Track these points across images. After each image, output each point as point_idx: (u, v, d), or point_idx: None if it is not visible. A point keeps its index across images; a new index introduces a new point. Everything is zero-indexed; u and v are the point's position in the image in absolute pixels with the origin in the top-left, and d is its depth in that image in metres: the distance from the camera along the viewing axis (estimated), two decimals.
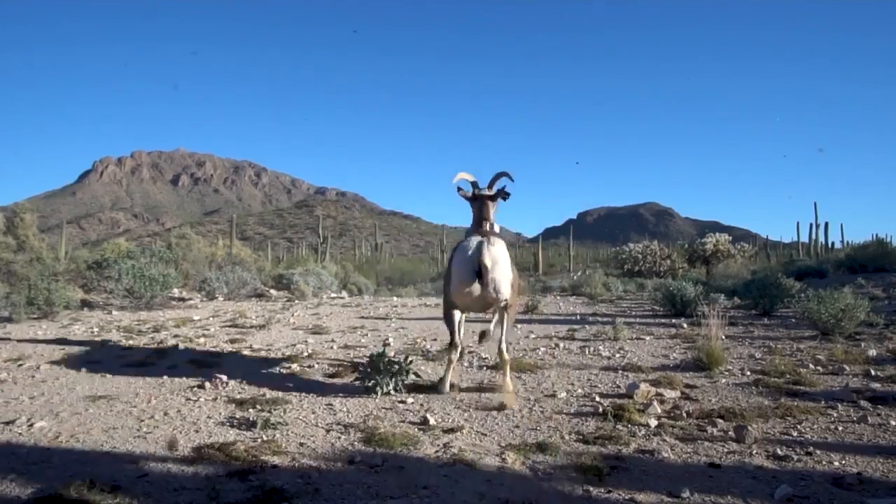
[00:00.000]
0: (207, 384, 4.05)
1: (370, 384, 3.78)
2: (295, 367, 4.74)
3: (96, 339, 6.25)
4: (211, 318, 8.30)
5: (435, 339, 6.23)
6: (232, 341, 6.14)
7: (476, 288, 3.47)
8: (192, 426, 3.13)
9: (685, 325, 6.99)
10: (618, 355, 5.21)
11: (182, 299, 11.33)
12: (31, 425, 3.12)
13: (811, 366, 4.52)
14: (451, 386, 3.85)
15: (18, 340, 6.18)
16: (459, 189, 3.86)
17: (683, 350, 5.37)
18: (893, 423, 3.07)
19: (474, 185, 3.88)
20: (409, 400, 3.65)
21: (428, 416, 3.24)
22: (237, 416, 3.30)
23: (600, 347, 5.58)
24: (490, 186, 3.86)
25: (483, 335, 4.28)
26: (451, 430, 3.03)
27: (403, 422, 3.21)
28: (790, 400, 3.54)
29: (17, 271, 11.04)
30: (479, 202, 3.81)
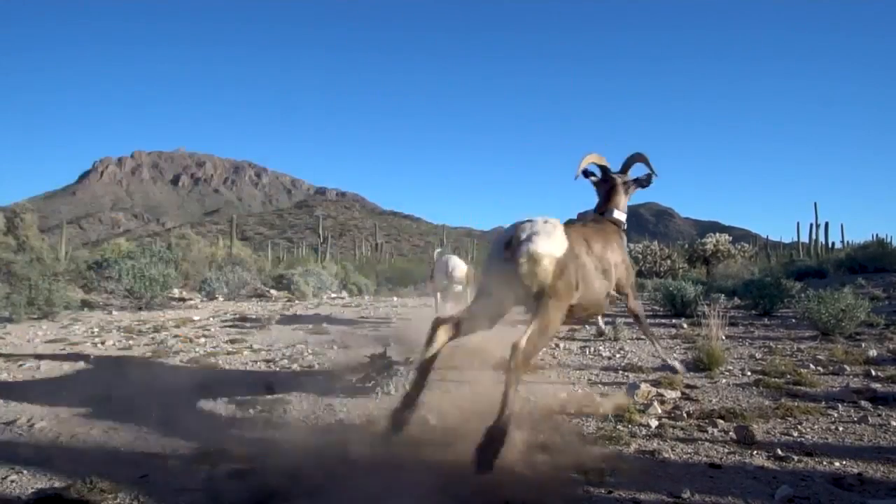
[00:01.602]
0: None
1: (370, 384, 3.78)
2: (295, 367, 4.74)
3: (96, 339, 6.24)
4: (211, 318, 8.29)
5: None
6: (232, 341, 6.14)
7: None
8: (192, 426, 3.13)
9: (685, 326, 6.99)
10: (618, 355, 5.21)
11: (182, 299, 11.33)
12: (32, 425, 3.11)
13: (811, 366, 4.51)
14: None
15: (18, 340, 6.18)
16: (587, 174, 3.54)
17: (684, 350, 5.37)
18: (894, 423, 3.07)
19: (604, 168, 3.55)
20: None
21: (428, 416, 3.24)
22: (237, 417, 3.30)
23: (600, 347, 5.58)
24: (624, 171, 3.60)
25: None
26: (452, 430, 3.03)
27: None
28: (790, 400, 3.54)
29: (18, 271, 11.04)
30: (607, 186, 3.49)
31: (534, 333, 2.51)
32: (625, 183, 3.52)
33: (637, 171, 3.67)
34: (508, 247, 2.63)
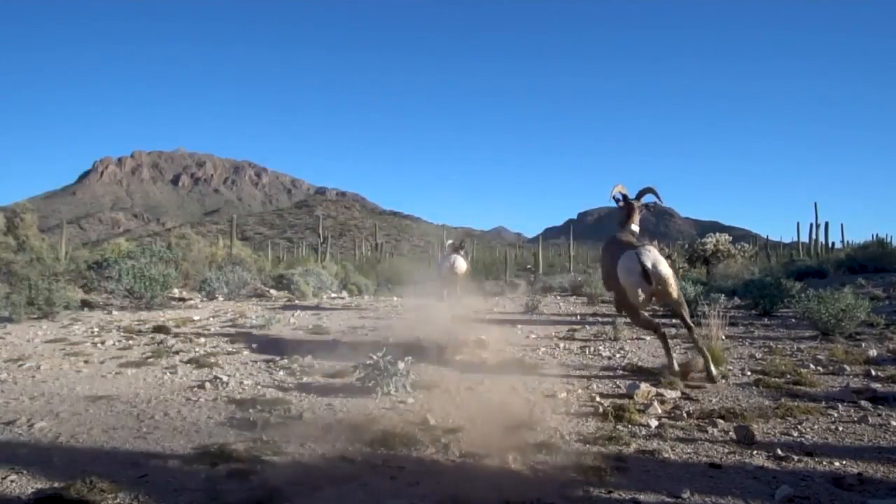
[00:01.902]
0: (207, 384, 4.05)
1: (371, 384, 3.78)
2: (295, 367, 4.74)
3: (96, 339, 6.24)
4: (211, 319, 8.29)
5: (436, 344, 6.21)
6: (232, 341, 6.14)
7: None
8: (192, 426, 3.13)
9: None
10: (618, 355, 5.21)
11: (182, 299, 11.33)
12: (32, 425, 3.12)
13: (811, 366, 4.52)
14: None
15: (18, 340, 6.18)
16: (615, 199, 4.80)
17: (684, 350, 5.37)
18: (894, 423, 3.07)
19: (625, 196, 4.79)
20: (410, 400, 3.65)
21: (428, 416, 3.24)
22: (237, 417, 3.30)
23: (600, 347, 5.58)
24: (638, 198, 4.80)
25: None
26: (452, 431, 3.03)
27: (403, 422, 3.20)
28: (791, 400, 3.54)
29: (18, 271, 11.03)
30: (626, 208, 4.75)
31: (681, 301, 4.29)
32: (639, 207, 4.76)
33: (648, 198, 4.84)
34: (646, 276, 3.99)
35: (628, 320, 5.97)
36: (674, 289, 4.14)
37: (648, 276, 3.98)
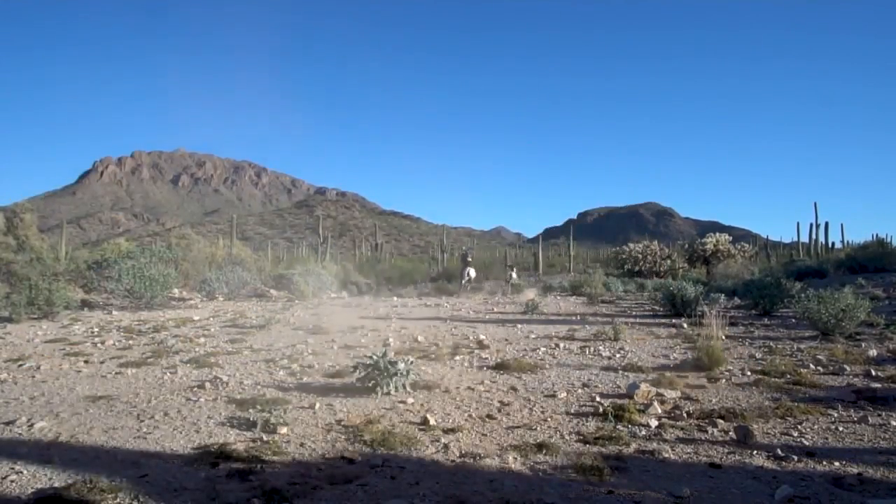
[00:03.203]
0: (207, 384, 4.05)
1: (370, 384, 3.78)
2: (295, 367, 4.74)
3: (97, 339, 6.24)
4: (211, 318, 8.29)
5: (436, 345, 6.22)
6: (232, 341, 6.14)
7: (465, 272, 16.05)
8: (192, 426, 3.13)
9: (685, 325, 7.00)
10: (618, 355, 5.21)
11: (182, 299, 11.33)
12: (32, 425, 3.11)
13: (812, 366, 4.52)
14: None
15: (18, 340, 6.18)
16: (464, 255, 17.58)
17: (684, 350, 5.38)
18: (894, 423, 3.07)
19: (464, 254, 18.12)
20: (410, 400, 3.65)
21: (428, 416, 3.24)
22: (237, 416, 3.30)
23: (600, 347, 5.58)
24: (466, 255, 17.85)
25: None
26: (452, 431, 3.03)
27: (404, 422, 3.20)
28: (790, 400, 3.54)
29: (18, 271, 11.04)
30: (465, 256, 17.42)
31: (475, 279, 16.91)
32: (467, 255, 17.60)
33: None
34: (469, 274, 16.10)
35: (629, 320, 6.13)
36: (473, 276, 15.86)
37: (469, 274, 15.59)
